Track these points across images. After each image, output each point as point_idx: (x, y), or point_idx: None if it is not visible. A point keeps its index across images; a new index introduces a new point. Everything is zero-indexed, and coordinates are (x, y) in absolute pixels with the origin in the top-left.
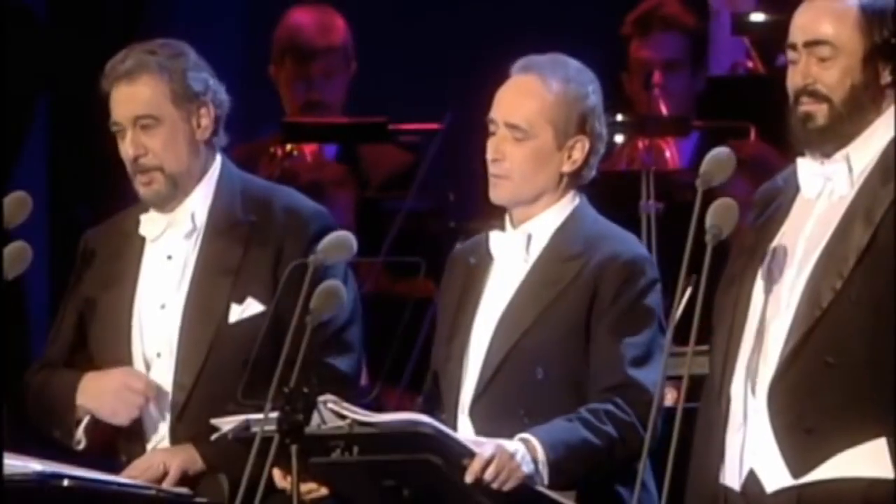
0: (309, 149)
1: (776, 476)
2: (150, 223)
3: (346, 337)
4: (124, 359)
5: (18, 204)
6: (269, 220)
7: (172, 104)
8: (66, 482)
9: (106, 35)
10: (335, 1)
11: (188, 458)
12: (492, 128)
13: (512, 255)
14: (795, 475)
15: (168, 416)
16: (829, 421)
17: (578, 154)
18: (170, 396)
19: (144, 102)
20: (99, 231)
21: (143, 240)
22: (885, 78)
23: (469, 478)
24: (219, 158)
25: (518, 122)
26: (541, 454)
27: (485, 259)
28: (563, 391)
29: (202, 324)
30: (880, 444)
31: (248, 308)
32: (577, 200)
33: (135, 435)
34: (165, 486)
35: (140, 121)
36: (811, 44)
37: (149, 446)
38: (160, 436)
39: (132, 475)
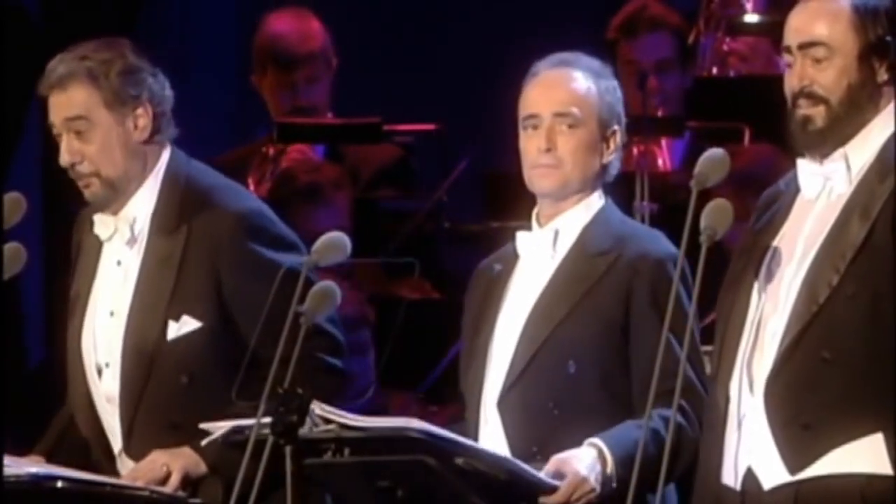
0: (298, 147)
1: (773, 473)
2: (101, 224)
3: (325, 326)
4: (79, 364)
5: (13, 205)
6: (204, 225)
7: (105, 109)
8: (59, 483)
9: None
10: (326, 2)
11: (191, 460)
12: (532, 123)
13: (539, 253)
14: (792, 471)
15: (119, 431)
16: (825, 416)
17: (614, 144)
18: (118, 411)
19: (76, 106)
20: (83, 216)
21: (100, 240)
22: (882, 76)
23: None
24: (166, 154)
25: (568, 110)
26: (610, 468)
27: (511, 261)
28: (593, 385)
29: (143, 338)
30: (877, 440)
31: (183, 325)
32: (603, 200)
33: (101, 452)
34: (167, 489)
35: (73, 124)
36: (806, 45)
37: (117, 462)
38: (120, 447)
39: (135, 477)
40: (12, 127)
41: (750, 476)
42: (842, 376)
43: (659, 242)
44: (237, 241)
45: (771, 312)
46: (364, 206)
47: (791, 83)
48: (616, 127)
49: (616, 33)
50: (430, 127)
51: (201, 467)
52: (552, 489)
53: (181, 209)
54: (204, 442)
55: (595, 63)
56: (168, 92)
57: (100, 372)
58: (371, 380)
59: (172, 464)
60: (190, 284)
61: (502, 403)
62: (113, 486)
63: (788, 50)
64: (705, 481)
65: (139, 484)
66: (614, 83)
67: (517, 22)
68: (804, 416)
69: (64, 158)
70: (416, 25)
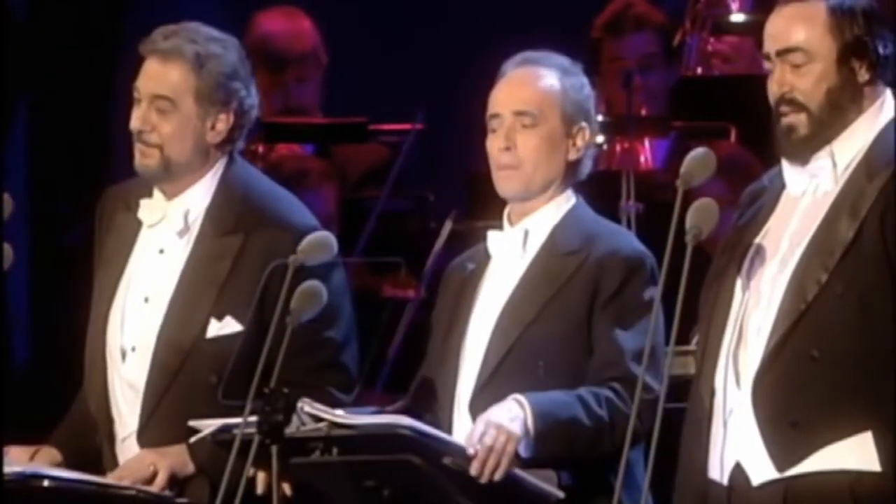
0: (287, 147)
1: (762, 469)
2: (147, 209)
3: (340, 359)
4: (100, 347)
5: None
6: (262, 233)
7: (194, 99)
8: (46, 482)
9: (88, 34)
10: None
11: (179, 460)
12: (494, 124)
13: (510, 252)
14: (781, 469)
15: (137, 417)
16: (814, 414)
17: (581, 142)
18: (141, 397)
19: (168, 86)
20: (114, 195)
21: (140, 222)
22: (863, 76)
23: (475, 470)
24: (225, 159)
25: (528, 108)
26: (530, 421)
27: (483, 261)
28: (564, 385)
29: (182, 330)
30: (866, 438)
31: (225, 326)
32: (574, 199)
33: (105, 434)
34: (154, 488)
35: (157, 101)
36: (783, 52)
37: (118, 446)
38: (127, 433)
39: (122, 476)
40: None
41: (738, 471)
42: (830, 375)
43: (628, 240)
44: (291, 253)
45: (754, 307)
46: (351, 207)
47: (772, 90)
48: (583, 124)
49: (600, 32)
50: (416, 126)
51: (189, 467)
52: (537, 489)
53: (240, 213)
54: (192, 440)
55: (562, 60)
56: (254, 109)
57: (123, 355)
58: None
59: (160, 463)
60: (240, 287)
61: (474, 404)
62: (100, 485)
63: (767, 57)
64: (689, 476)
65: (126, 483)
66: (583, 80)
67: (504, 22)
68: (792, 414)
69: (134, 123)
70: (403, 25)
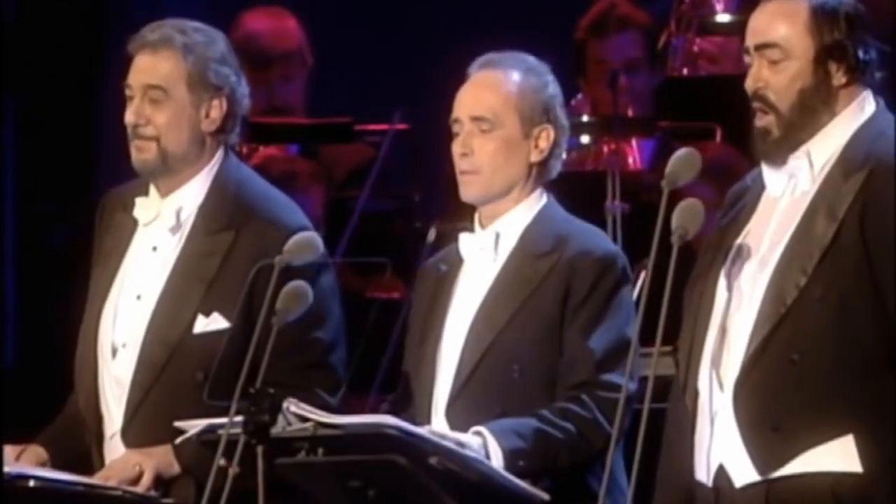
0: (275, 147)
1: (744, 472)
2: (143, 208)
3: (328, 359)
4: (92, 343)
5: None
6: (253, 232)
7: (186, 86)
8: (31, 483)
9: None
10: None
11: (164, 460)
12: (456, 128)
13: (481, 255)
14: (763, 472)
15: (122, 414)
16: (795, 419)
17: (545, 143)
18: (126, 393)
19: (159, 76)
20: (113, 197)
21: (136, 221)
22: (839, 79)
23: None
24: (220, 155)
25: (483, 114)
26: (493, 444)
27: (455, 263)
28: (539, 389)
29: (169, 326)
30: (847, 441)
31: (212, 322)
32: (544, 199)
33: (93, 433)
34: (139, 488)
35: (150, 92)
36: (762, 46)
37: (106, 445)
38: (114, 430)
39: (107, 476)
40: None
41: (722, 473)
42: (811, 378)
43: (599, 240)
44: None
45: (736, 309)
46: (336, 206)
47: (747, 84)
48: (546, 125)
49: (585, 34)
50: (400, 127)
51: (175, 467)
52: (523, 491)
53: (232, 211)
54: (178, 440)
55: (527, 60)
56: (246, 99)
57: (115, 352)
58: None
59: (145, 463)
60: (228, 284)
61: (450, 410)
62: (85, 485)
63: (747, 51)
64: (671, 477)
65: (111, 483)
66: (546, 80)
67: (490, 22)
68: (774, 418)
69: (129, 118)
70: (390, 25)
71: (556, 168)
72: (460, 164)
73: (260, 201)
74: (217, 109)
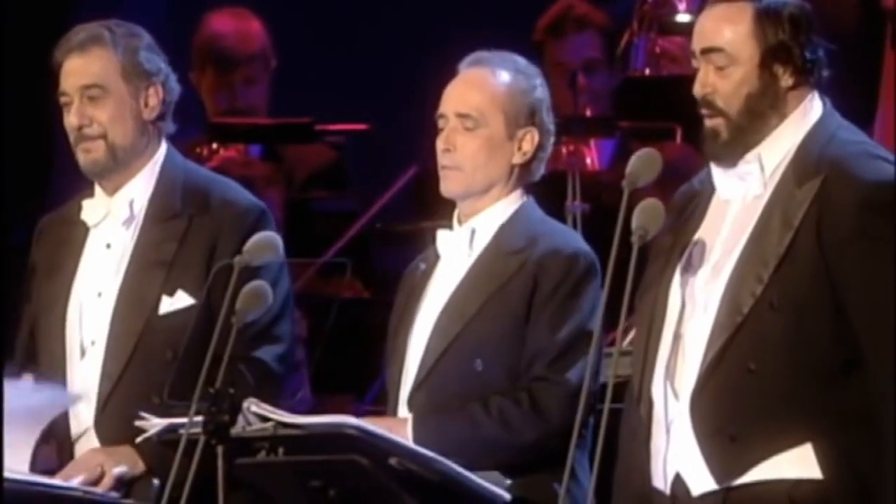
0: (235, 148)
1: (702, 480)
2: (91, 209)
3: (273, 331)
4: (59, 347)
5: None
6: (206, 214)
7: (122, 78)
8: None
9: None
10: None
11: (127, 460)
12: (441, 123)
13: (457, 252)
14: (720, 481)
15: (93, 407)
16: (752, 428)
17: (528, 146)
18: (97, 387)
19: (94, 74)
20: (51, 218)
21: (86, 227)
22: (786, 81)
23: None
24: (164, 146)
25: (468, 111)
26: (409, 430)
27: (433, 261)
28: (501, 383)
29: (133, 314)
30: (805, 450)
31: (177, 301)
32: (523, 199)
33: (61, 426)
34: (100, 489)
35: (87, 91)
36: (707, 51)
37: (75, 438)
38: (84, 426)
39: (69, 475)
40: None
41: (679, 482)
42: (768, 387)
43: (569, 239)
44: (238, 230)
45: (690, 316)
46: (296, 207)
47: (696, 90)
48: (531, 128)
49: (542, 35)
50: (361, 127)
51: (139, 466)
52: (485, 491)
53: (183, 197)
54: (138, 440)
55: (517, 61)
56: (176, 85)
57: (83, 353)
58: (303, 387)
59: (107, 463)
60: (188, 264)
61: (411, 402)
62: (46, 486)
63: (694, 54)
64: (629, 483)
65: (73, 483)
66: (535, 82)
67: (449, 22)
68: (731, 428)
69: (72, 121)
70: (349, 24)
71: (538, 171)
72: (442, 159)
73: (210, 183)
74: (154, 97)
